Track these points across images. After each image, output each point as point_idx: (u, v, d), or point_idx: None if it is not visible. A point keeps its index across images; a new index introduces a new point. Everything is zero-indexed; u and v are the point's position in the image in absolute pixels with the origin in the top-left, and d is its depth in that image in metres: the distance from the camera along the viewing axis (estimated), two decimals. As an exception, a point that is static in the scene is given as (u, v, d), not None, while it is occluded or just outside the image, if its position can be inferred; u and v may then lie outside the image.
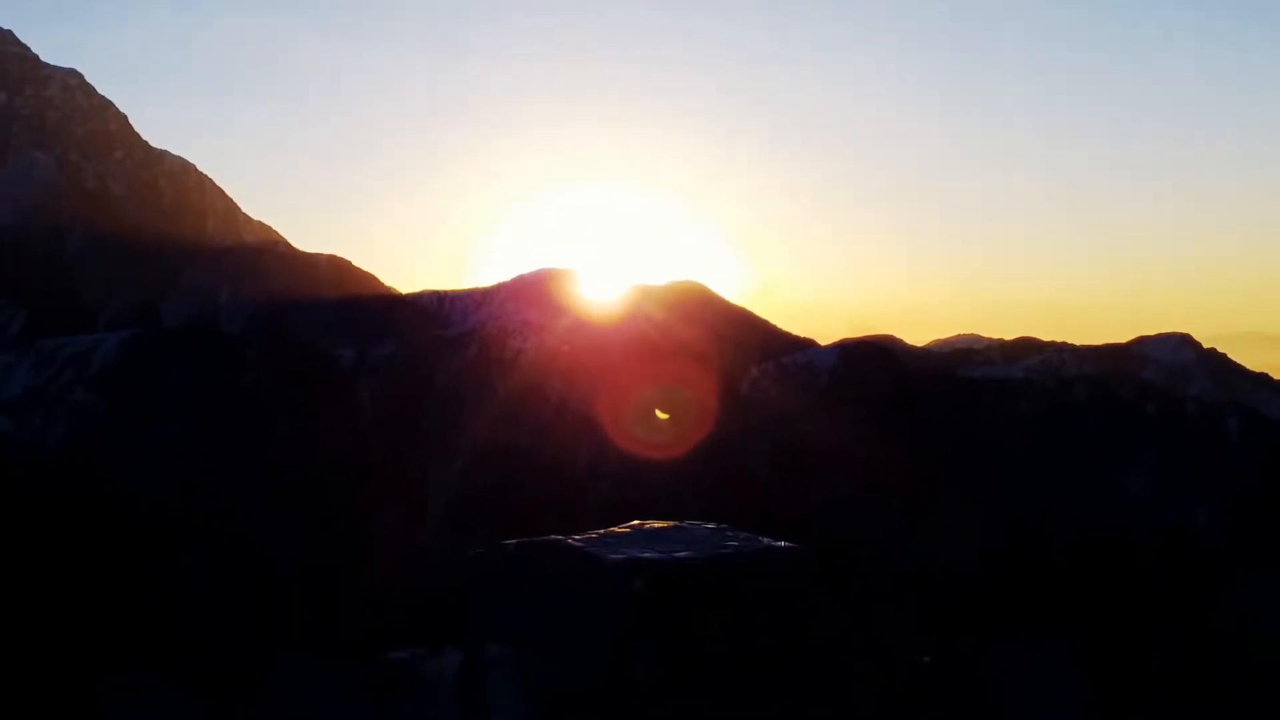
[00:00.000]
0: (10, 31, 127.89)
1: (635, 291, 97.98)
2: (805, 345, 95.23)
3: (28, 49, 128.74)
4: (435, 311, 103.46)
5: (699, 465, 66.50)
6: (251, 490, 46.92)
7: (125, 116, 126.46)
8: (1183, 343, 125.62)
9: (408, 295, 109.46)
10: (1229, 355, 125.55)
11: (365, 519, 48.34)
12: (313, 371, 60.52)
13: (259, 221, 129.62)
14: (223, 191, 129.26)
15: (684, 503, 53.29)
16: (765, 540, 12.80)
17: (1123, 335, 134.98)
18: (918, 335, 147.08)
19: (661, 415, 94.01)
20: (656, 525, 13.28)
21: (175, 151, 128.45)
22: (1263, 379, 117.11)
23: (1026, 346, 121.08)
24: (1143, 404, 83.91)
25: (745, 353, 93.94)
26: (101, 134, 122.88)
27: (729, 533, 12.97)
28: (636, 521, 13.91)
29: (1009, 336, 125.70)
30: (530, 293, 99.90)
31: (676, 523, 13.42)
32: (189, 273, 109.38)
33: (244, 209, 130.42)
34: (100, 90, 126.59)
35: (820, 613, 12.80)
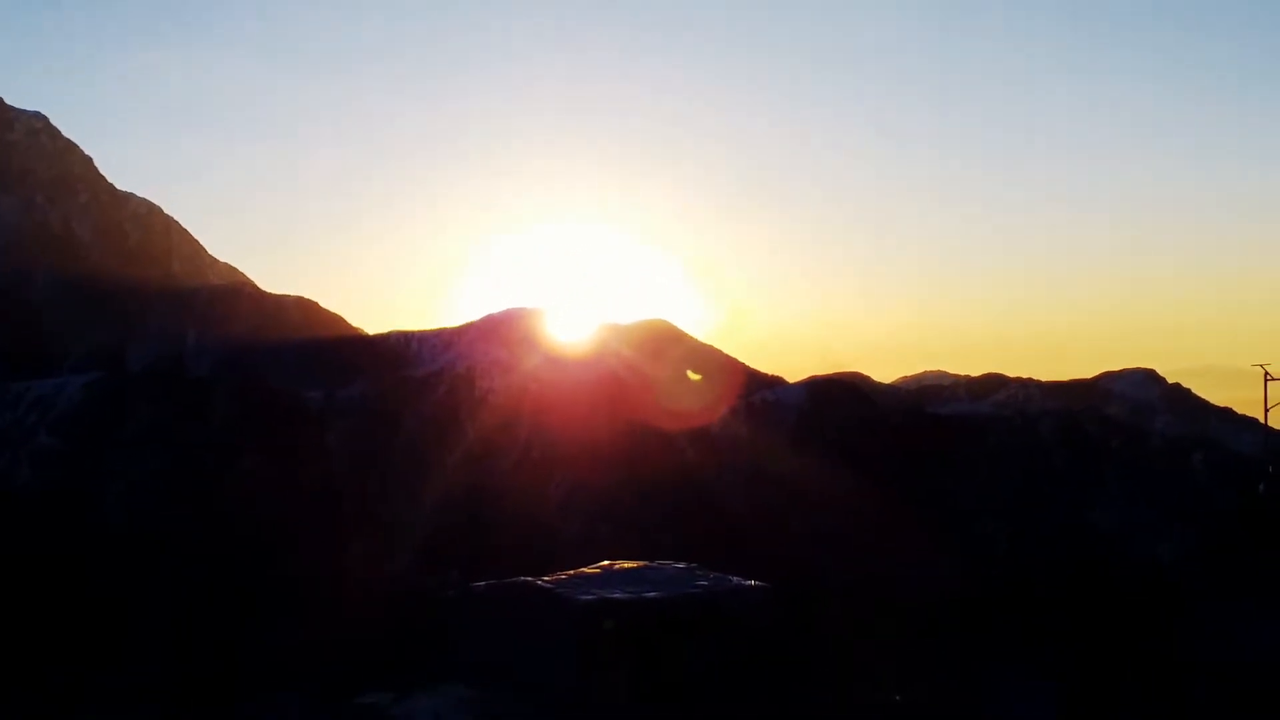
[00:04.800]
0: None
1: (604, 330, 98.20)
2: (774, 382, 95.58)
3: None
4: (403, 352, 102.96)
5: (670, 502, 66.44)
6: (217, 532, 46.41)
7: (90, 159, 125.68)
8: (1147, 378, 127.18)
9: (375, 336, 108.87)
10: (1193, 390, 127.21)
11: (333, 560, 47.83)
12: (280, 413, 60.14)
13: (225, 263, 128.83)
14: (188, 233, 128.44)
15: (655, 540, 53.17)
16: (735, 579, 12.80)
17: (1088, 370, 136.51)
18: (885, 372, 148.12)
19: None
20: (626, 565, 13.25)
21: (141, 194, 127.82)
22: (1226, 413, 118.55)
23: (993, 382, 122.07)
24: (1108, 439, 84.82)
25: (714, 390, 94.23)
26: (67, 176, 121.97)
27: (699, 572, 12.96)
28: (607, 561, 13.88)
29: (975, 373, 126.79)
30: (499, 332, 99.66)
31: (647, 562, 13.40)
32: (155, 315, 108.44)
33: (210, 251, 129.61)
34: (65, 133, 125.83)
35: (791, 652, 12.82)
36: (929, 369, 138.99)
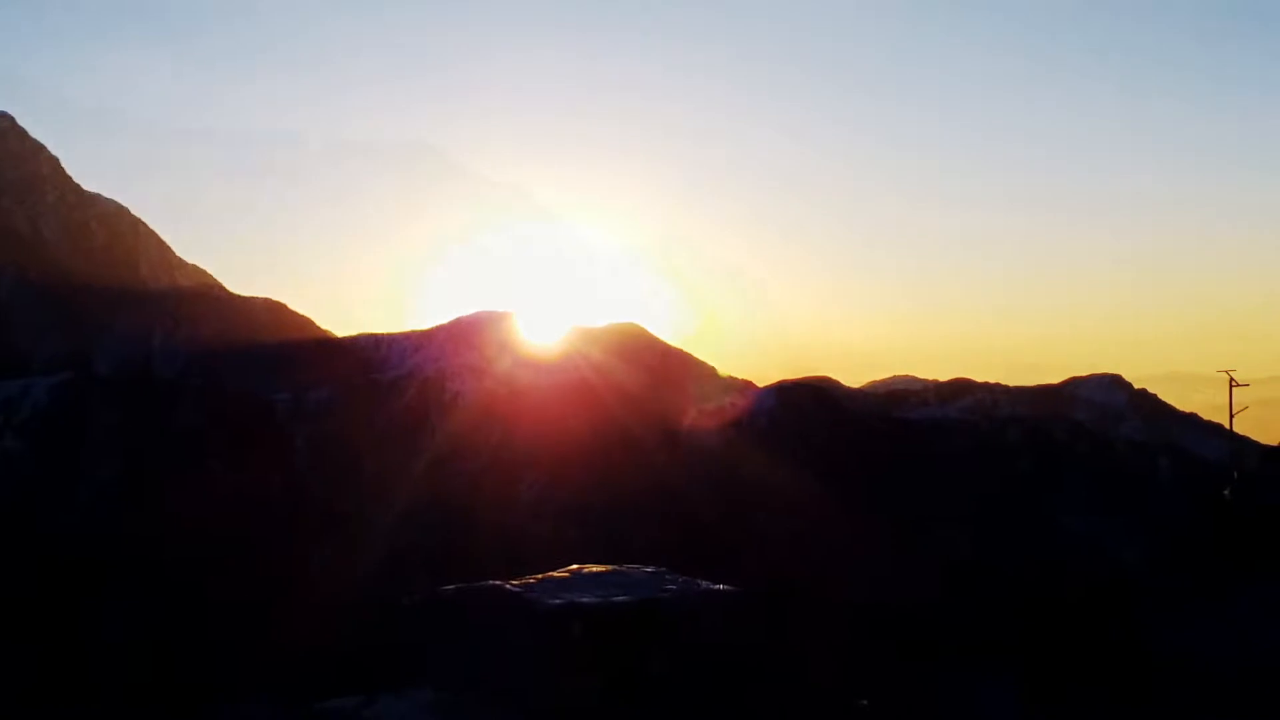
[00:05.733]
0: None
1: (575, 334, 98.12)
2: (743, 387, 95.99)
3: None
4: (372, 355, 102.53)
5: (639, 505, 66.51)
6: (183, 534, 45.99)
7: (57, 160, 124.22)
8: (1114, 383, 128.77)
9: (344, 339, 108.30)
10: (1159, 395, 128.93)
11: (300, 564, 47.56)
12: (247, 417, 59.68)
13: (193, 265, 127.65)
14: (156, 234, 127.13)
15: (623, 543, 53.20)
16: (704, 583, 12.85)
17: (1055, 376, 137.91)
18: (854, 376, 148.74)
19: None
20: (595, 569, 13.26)
21: (108, 194, 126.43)
22: (1192, 419, 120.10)
23: (960, 387, 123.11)
24: (1074, 444, 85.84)
25: (684, 394, 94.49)
26: (34, 177, 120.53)
27: (668, 576, 13.00)
28: (575, 565, 13.89)
29: (944, 378, 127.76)
30: (468, 336, 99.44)
31: (615, 566, 13.43)
32: (123, 317, 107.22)
33: (178, 252, 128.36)
34: (33, 134, 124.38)
35: (759, 657, 12.89)
36: (898, 374, 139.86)
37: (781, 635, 16.78)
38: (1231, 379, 45.81)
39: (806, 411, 79.61)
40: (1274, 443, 47.06)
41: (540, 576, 13.40)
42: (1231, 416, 46.84)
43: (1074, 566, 56.94)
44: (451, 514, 66.84)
